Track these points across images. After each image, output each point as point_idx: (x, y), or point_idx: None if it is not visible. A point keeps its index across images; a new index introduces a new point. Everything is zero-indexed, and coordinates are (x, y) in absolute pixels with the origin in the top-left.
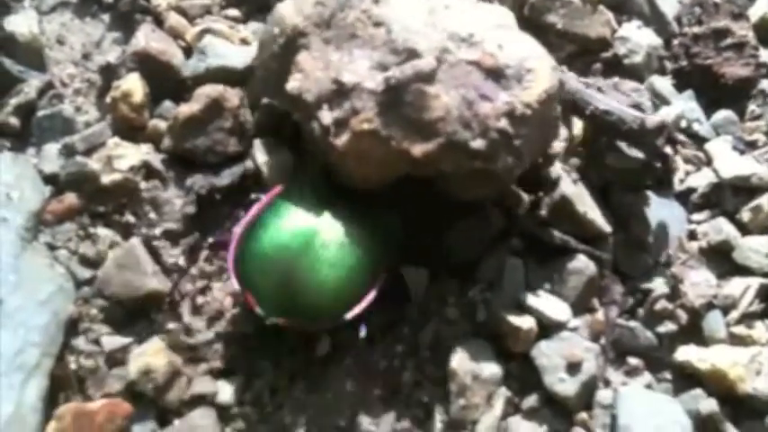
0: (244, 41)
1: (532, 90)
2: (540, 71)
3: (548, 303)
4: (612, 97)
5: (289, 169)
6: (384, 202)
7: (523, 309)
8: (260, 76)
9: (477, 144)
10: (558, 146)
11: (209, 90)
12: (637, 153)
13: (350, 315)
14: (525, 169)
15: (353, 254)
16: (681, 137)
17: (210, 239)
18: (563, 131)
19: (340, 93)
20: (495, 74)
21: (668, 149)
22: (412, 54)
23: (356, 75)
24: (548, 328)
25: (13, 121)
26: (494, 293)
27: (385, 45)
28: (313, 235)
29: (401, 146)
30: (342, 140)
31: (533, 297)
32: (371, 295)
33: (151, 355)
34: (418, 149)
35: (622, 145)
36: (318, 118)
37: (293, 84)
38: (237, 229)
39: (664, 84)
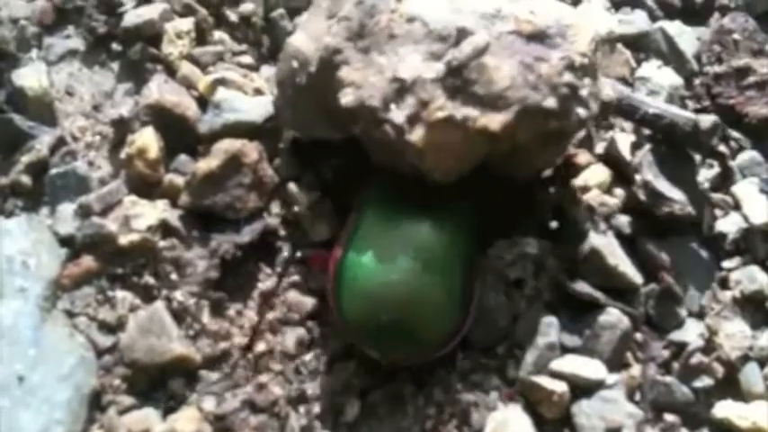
0: (258, 91)
1: (580, 41)
2: (579, 24)
3: (582, 363)
4: None
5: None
6: (458, 201)
7: (556, 371)
8: (288, 116)
9: (550, 103)
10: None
11: (227, 145)
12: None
13: (464, 331)
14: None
15: (454, 266)
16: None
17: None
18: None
19: (402, 90)
20: (539, 37)
21: (723, 148)
22: (462, 33)
23: (413, 69)
24: (585, 389)
25: (25, 179)
26: (524, 353)
27: (426, 36)
28: (411, 261)
29: (478, 124)
30: (418, 135)
31: (566, 357)
32: (474, 305)
33: (181, 422)
34: (496, 123)
35: None
36: (390, 120)
37: (348, 97)
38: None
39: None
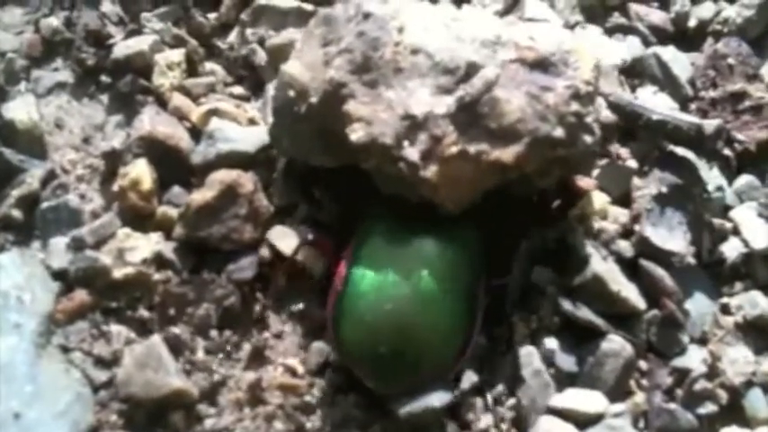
0: (252, 121)
1: (583, 68)
2: (579, 49)
3: (583, 396)
4: None
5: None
6: (462, 228)
7: (556, 410)
8: (286, 143)
9: (558, 133)
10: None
11: (222, 176)
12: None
13: (463, 359)
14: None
15: (456, 295)
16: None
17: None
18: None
19: (414, 126)
20: (543, 65)
21: (727, 151)
22: (473, 67)
23: (424, 104)
24: (587, 422)
25: (17, 213)
26: (521, 392)
27: (432, 69)
28: (412, 291)
29: (491, 157)
30: (432, 171)
31: (567, 392)
32: (477, 331)
33: None
34: (509, 155)
35: None
36: (404, 157)
37: (359, 133)
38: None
39: (684, 151)
